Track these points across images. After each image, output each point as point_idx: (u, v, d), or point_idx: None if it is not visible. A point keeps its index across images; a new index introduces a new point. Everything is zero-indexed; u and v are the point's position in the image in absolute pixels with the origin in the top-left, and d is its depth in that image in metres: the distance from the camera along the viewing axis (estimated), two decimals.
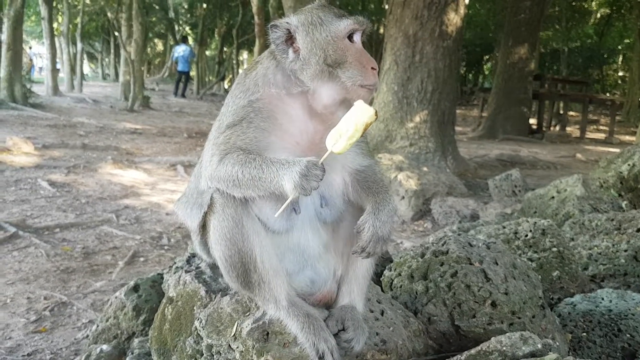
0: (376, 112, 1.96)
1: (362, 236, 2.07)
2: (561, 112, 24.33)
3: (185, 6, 38.24)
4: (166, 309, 2.55)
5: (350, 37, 2.14)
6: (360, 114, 1.97)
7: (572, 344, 2.76)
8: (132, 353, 2.96)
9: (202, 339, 2.12)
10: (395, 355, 2.15)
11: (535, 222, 3.33)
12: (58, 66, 28.71)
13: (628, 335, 2.75)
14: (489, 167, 13.13)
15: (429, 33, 11.03)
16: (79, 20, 29.89)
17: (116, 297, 3.59)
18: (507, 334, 1.99)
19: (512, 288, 2.50)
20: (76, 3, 30.26)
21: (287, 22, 2.12)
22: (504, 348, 1.92)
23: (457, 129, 21.53)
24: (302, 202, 2.18)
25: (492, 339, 1.99)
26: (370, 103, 2.07)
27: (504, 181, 9.71)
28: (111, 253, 6.68)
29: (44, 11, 22.61)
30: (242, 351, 2.00)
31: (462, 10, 11.19)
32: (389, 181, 9.79)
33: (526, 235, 3.26)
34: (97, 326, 3.61)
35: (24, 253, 6.45)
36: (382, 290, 2.79)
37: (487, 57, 44.92)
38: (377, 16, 29.70)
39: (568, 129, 23.62)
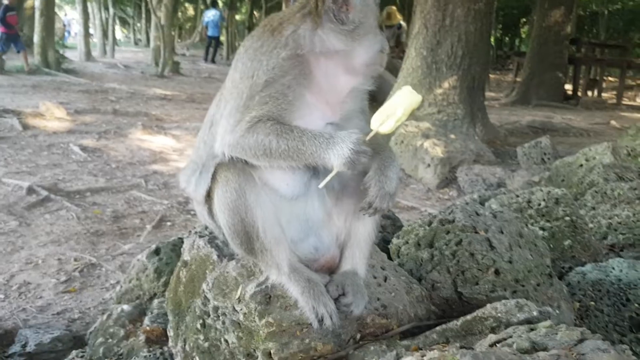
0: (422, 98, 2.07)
1: (369, 192, 2.11)
2: (597, 77, 23.64)
3: None
4: (181, 272, 2.66)
5: None
6: (408, 99, 2.10)
7: (580, 312, 2.78)
8: (152, 313, 3.10)
9: (209, 300, 2.22)
10: (395, 320, 2.21)
11: (549, 191, 3.32)
12: (91, 32, 29.01)
13: (636, 305, 2.75)
14: (520, 135, 12.92)
15: None
16: None
17: (138, 260, 3.72)
18: (503, 301, 2.03)
19: (516, 256, 2.52)
20: None
21: None
22: (499, 314, 1.97)
23: (491, 94, 21.24)
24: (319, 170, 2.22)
25: (488, 305, 2.04)
26: None
27: (533, 149, 9.57)
28: (139, 217, 6.85)
29: None
30: (245, 313, 2.09)
31: None
32: (414, 149, 9.76)
33: (539, 204, 3.26)
34: (121, 287, 3.75)
35: (55, 216, 6.66)
36: (390, 258, 2.84)
37: (524, 19, 43.57)
38: None
39: (604, 95, 23.00)
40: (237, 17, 43.16)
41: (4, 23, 17.87)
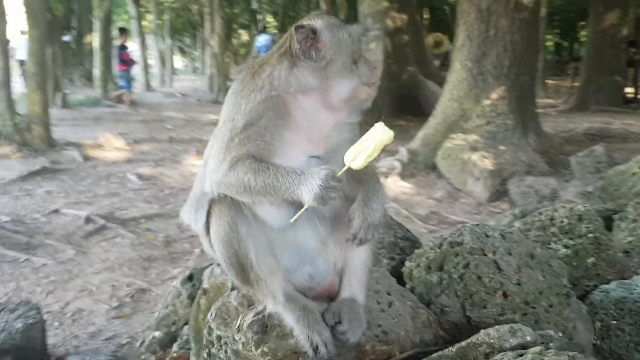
0: (394, 135, 2.10)
1: (353, 224, 2.16)
2: None
3: None
4: (201, 300, 2.76)
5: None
6: (380, 135, 2.11)
7: (601, 332, 2.69)
8: (181, 339, 3.21)
9: (212, 330, 2.30)
10: (397, 346, 2.22)
11: (572, 208, 3.24)
12: (151, 62, 30.18)
13: None
14: (576, 143, 12.53)
15: (503, 6, 10.65)
16: (166, 17, 31.24)
17: (174, 286, 3.86)
18: (496, 327, 2.01)
19: (525, 278, 2.48)
20: (163, 0, 31.55)
21: (312, 24, 2.22)
22: (492, 340, 1.95)
23: (548, 101, 20.74)
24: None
25: (481, 331, 2.02)
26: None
27: (587, 157, 9.27)
28: (189, 241, 7.07)
29: (133, 10, 23.85)
30: (243, 342, 2.15)
31: None
32: (462, 162, 9.66)
33: (562, 222, 3.18)
34: (159, 313, 3.90)
35: (111, 243, 6.97)
36: (403, 281, 2.85)
37: (582, 23, 42.24)
38: None
39: None
40: None
41: (121, 61, 18.45)
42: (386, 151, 12.52)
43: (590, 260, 3.05)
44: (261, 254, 2.19)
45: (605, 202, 6.02)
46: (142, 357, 3.16)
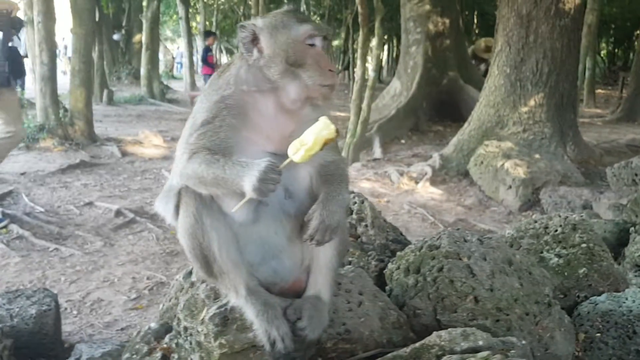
0: (337, 130, 2.10)
1: (310, 224, 2.19)
2: None
3: None
4: (189, 292, 2.82)
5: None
6: (322, 130, 2.11)
7: (584, 344, 2.63)
8: (174, 330, 3.28)
9: (180, 321, 2.36)
10: (360, 345, 2.23)
11: (567, 217, 3.17)
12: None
13: None
14: (617, 154, 12.18)
15: (544, 12, 10.48)
16: (214, 18, 31.81)
17: (176, 280, 3.93)
18: (449, 329, 2.00)
19: (499, 284, 2.44)
20: (211, 2, 32.12)
21: (253, 24, 2.26)
22: (443, 343, 1.94)
23: (596, 111, 20.20)
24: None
25: (434, 333, 2.02)
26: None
27: (624, 169, 9.01)
28: None
29: (181, 11, 24.38)
30: (205, 334, 2.20)
31: None
32: (495, 170, 9.52)
33: (556, 231, 3.11)
34: (163, 305, 3.98)
35: (137, 237, 7.16)
36: (384, 283, 2.85)
37: (638, 32, 40.90)
38: None
39: None
40: (335, 42, 43.96)
41: (206, 63, 18.10)
42: (419, 156, 12.50)
43: (582, 270, 2.98)
44: (225, 247, 2.24)
45: (638, 215, 5.87)
46: (137, 346, 3.24)
